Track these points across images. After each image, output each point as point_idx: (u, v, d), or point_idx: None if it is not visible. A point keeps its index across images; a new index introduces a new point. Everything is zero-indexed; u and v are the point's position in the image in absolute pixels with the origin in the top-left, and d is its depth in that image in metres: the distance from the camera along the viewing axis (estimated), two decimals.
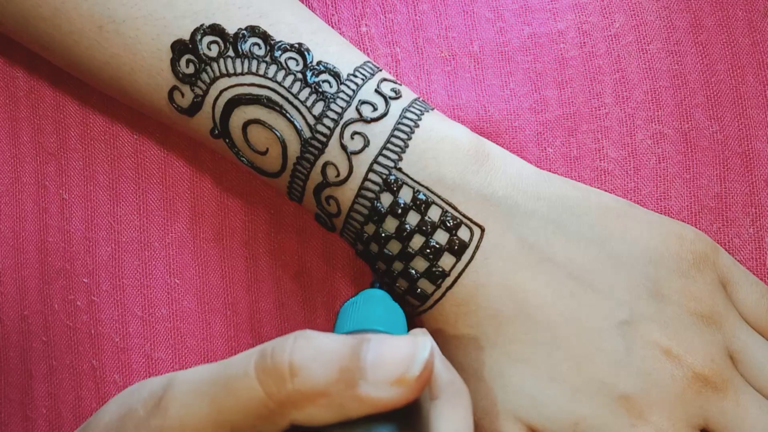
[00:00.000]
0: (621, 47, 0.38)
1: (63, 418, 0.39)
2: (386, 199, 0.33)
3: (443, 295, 0.33)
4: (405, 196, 0.33)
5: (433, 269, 0.33)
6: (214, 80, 0.33)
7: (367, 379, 0.24)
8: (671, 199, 0.37)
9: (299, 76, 0.33)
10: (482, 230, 0.33)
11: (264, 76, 0.33)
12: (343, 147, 0.33)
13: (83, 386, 0.39)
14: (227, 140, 0.34)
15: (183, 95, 0.34)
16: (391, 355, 0.25)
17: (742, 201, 0.37)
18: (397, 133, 0.33)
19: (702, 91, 0.38)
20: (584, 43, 0.38)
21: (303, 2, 0.39)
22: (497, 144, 0.37)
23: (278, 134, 0.33)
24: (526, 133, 0.38)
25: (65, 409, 0.39)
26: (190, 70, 0.34)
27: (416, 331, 0.29)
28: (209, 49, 0.33)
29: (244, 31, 0.33)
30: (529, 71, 0.38)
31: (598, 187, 0.37)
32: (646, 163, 0.37)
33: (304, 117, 0.33)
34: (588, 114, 0.38)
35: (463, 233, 0.33)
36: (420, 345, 0.25)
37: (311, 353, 0.24)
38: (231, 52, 0.33)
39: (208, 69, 0.33)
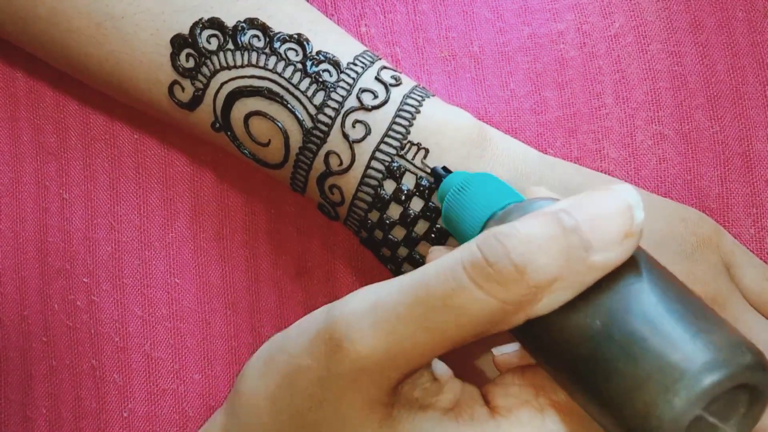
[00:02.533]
0: (621, 48, 0.38)
1: (63, 418, 0.39)
2: (389, 186, 0.33)
3: None
4: (408, 182, 0.33)
5: None
6: (214, 73, 0.33)
7: (594, 247, 0.23)
8: (672, 200, 0.37)
9: (299, 66, 0.33)
10: None
11: (264, 67, 0.33)
12: (345, 136, 0.33)
13: (83, 386, 0.39)
14: (228, 133, 0.34)
15: (183, 89, 0.34)
16: (603, 214, 0.24)
17: (743, 202, 0.37)
18: (398, 120, 0.33)
19: (702, 91, 0.38)
20: (584, 43, 0.38)
21: None
22: None
23: (280, 125, 0.33)
24: (526, 134, 0.38)
25: (65, 409, 0.39)
26: (190, 64, 0.34)
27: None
28: (209, 42, 0.34)
29: (243, 24, 0.33)
30: (529, 72, 0.38)
31: None
32: (646, 164, 0.37)
33: (305, 107, 0.33)
34: (588, 114, 0.38)
35: None
36: (623, 191, 0.24)
37: (525, 247, 0.23)
38: (230, 45, 0.33)
39: (209, 62, 0.33)
